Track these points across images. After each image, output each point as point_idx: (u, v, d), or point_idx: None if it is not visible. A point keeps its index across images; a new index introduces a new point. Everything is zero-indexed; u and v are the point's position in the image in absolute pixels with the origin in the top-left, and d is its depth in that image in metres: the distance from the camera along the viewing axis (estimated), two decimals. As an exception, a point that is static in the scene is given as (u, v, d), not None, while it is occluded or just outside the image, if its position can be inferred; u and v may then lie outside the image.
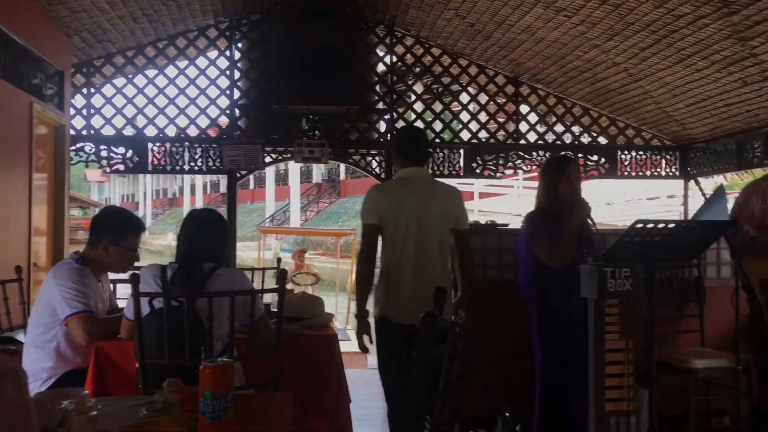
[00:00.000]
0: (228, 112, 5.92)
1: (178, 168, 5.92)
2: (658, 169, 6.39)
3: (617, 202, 17.57)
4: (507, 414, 3.63)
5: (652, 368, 2.86)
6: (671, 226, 2.70)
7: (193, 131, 5.94)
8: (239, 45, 5.93)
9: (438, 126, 6.55)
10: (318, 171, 33.14)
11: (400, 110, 6.26)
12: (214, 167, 5.87)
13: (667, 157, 6.38)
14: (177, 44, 5.82)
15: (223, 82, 5.95)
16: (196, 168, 5.92)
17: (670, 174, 6.41)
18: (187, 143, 5.85)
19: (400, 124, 6.25)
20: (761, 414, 3.61)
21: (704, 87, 4.98)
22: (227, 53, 5.95)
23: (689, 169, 6.30)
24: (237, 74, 5.91)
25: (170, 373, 1.95)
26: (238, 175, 5.97)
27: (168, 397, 1.65)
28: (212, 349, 2.38)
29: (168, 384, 1.70)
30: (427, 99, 6.66)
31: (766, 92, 4.70)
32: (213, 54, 6.03)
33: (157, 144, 5.84)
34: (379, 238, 3.24)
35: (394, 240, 3.19)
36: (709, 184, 6.56)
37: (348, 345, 7.84)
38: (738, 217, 3.50)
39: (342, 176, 31.18)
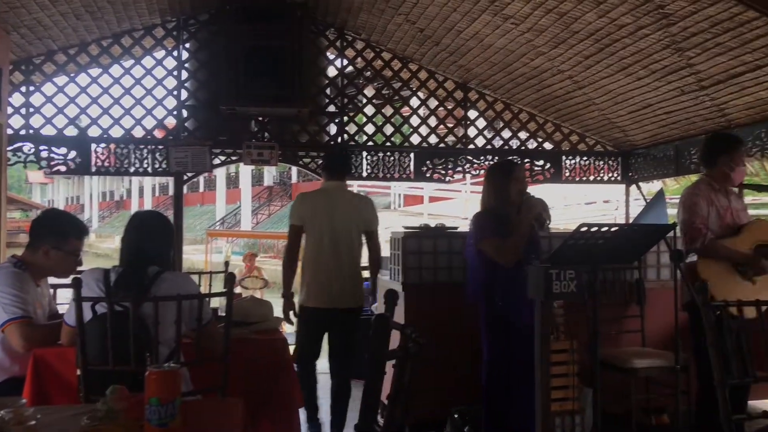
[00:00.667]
0: (175, 113, 5.80)
1: (122, 170, 5.76)
2: (601, 174, 6.58)
3: (557, 206, 18.01)
4: (456, 416, 3.67)
5: (596, 368, 2.94)
6: (614, 229, 2.79)
7: (138, 132, 5.79)
8: (187, 45, 5.82)
9: (389, 130, 6.58)
10: (269, 174, 32.99)
11: (351, 114, 6.26)
12: (160, 169, 5.74)
13: (610, 162, 6.58)
14: (122, 43, 5.67)
15: (171, 83, 5.83)
16: (142, 170, 5.77)
17: (612, 179, 6.60)
18: (132, 144, 5.70)
19: (352, 127, 6.26)
20: (699, 412, 3.74)
21: (644, 95, 5.16)
22: (174, 53, 5.82)
23: (630, 174, 6.51)
24: (185, 75, 5.80)
25: (113, 381, 1.90)
26: (185, 177, 5.85)
27: (112, 404, 1.61)
28: (158, 354, 2.33)
29: (112, 391, 1.66)
30: (378, 103, 6.68)
31: (702, 101, 4.90)
32: (160, 54, 5.89)
33: (101, 145, 5.67)
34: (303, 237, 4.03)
35: (312, 238, 3.97)
36: (645, 189, 6.75)
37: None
38: (689, 221, 3.56)
39: (294, 179, 31.04)
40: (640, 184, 6.55)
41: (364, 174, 6.17)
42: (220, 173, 31.47)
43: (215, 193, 32.37)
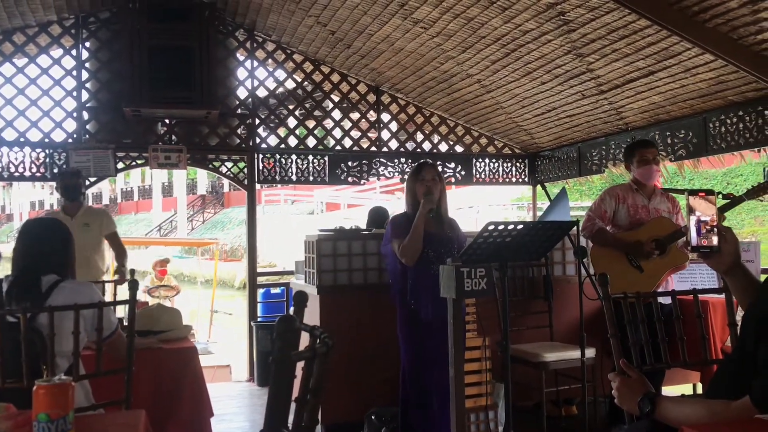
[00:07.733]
0: (75, 115, 5.51)
1: (17, 175, 5.43)
2: (509, 176, 6.78)
3: (463, 207, 18.56)
4: (373, 417, 3.66)
5: (508, 363, 3.00)
6: (520, 227, 2.86)
7: (35, 136, 5.47)
8: (87, 44, 5.55)
9: (302, 133, 6.52)
10: (203, 183, 34.84)
11: (263, 117, 6.16)
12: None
13: (517, 164, 6.80)
14: (14, 40, 5.34)
15: (69, 83, 5.53)
16: (39, 175, 5.45)
17: (520, 180, 6.83)
18: (27, 147, 5.38)
19: (263, 131, 6.15)
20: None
21: (548, 99, 5.36)
22: (73, 52, 5.54)
23: (537, 175, 6.75)
24: (85, 75, 5.53)
25: (5, 399, 1.76)
26: (87, 182, 5.57)
27: (-3, 423, 1.49)
28: (55, 368, 2.19)
29: (-2, 409, 1.54)
30: (292, 107, 6.59)
31: (601, 105, 5.14)
32: (57, 52, 5.58)
33: (-7, 148, 5.33)
34: None
35: None
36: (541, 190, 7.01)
37: (211, 359, 7.62)
38: (587, 212, 3.91)
39: (226, 188, 32.42)
40: (546, 185, 6.80)
41: (278, 178, 6.08)
42: (155, 182, 33.56)
43: (150, 202, 34.09)
